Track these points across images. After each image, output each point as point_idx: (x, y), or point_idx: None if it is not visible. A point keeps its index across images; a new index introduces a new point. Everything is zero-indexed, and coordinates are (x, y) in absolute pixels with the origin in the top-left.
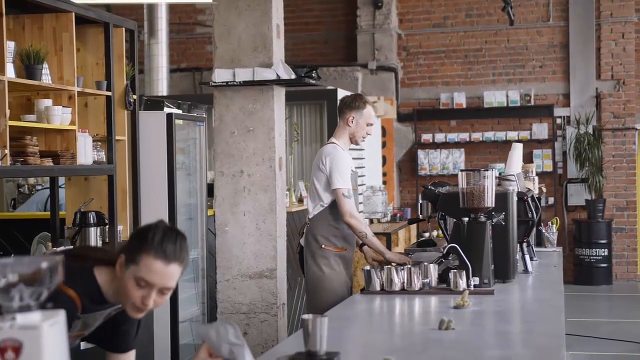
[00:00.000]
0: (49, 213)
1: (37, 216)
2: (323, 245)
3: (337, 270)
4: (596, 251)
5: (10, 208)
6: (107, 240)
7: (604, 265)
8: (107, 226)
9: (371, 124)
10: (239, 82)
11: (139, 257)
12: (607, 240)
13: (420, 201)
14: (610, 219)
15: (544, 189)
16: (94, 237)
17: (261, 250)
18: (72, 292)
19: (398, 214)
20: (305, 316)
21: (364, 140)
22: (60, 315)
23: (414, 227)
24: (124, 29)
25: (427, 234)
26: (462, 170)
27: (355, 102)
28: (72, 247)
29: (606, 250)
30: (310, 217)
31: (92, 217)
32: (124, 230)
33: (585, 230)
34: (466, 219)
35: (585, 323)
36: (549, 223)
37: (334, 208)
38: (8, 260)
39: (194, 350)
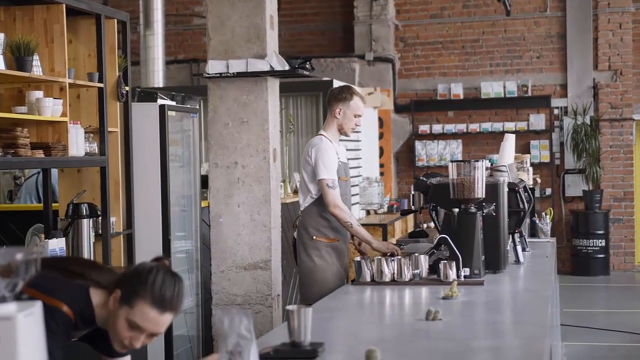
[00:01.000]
0: (42, 205)
1: (32, 208)
2: (314, 237)
3: (329, 262)
4: (593, 242)
5: (7, 200)
6: (100, 232)
7: (601, 256)
8: (99, 218)
9: (359, 115)
10: (233, 73)
11: (135, 301)
12: (605, 231)
13: (413, 192)
14: (607, 210)
15: (539, 180)
16: (87, 228)
17: (255, 242)
18: (68, 310)
19: (395, 205)
20: (290, 307)
21: (354, 131)
22: (36, 307)
23: (410, 218)
24: (115, 20)
25: (424, 225)
26: (452, 161)
27: (342, 93)
28: (65, 256)
29: (603, 241)
30: (301, 209)
31: (84, 209)
32: (116, 222)
33: (583, 221)
34: (456, 209)
35: (582, 314)
36: (543, 214)
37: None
38: None
39: (188, 342)
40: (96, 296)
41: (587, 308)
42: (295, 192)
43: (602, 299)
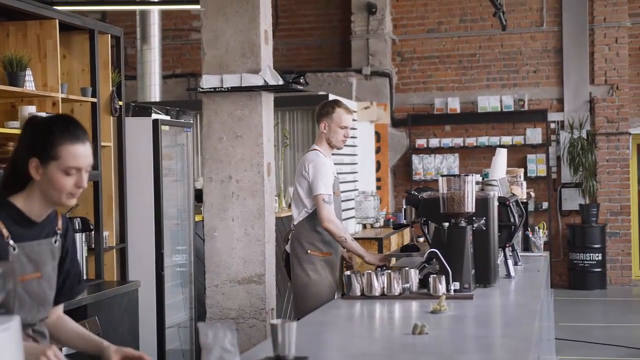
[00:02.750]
0: None
1: None
2: (309, 251)
3: (323, 276)
4: (590, 256)
5: None
6: (93, 246)
7: (598, 269)
8: (92, 232)
9: (345, 127)
10: (227, 88)
11: (57, 151)
12: (601, 244)
13: (405, 206)
14: (604, 224)
15: (532, 194)
16: (80, 243)
17: (250, 256)
18: None
19: (392, 219)
20: (274, 321)
21: (344, 143)
22: (14, 321)
23: (407, 232)
24: (109, 35)
25: (421, 239)
26: (442, 176)
27: (324, 108)
28: None
29: (600, 254)
30: (295, 223)
31: (77, 223)
32: (109, 236)
33: (579, 234)
34: (447, 224)
35: (578, 327)
36: (536, 228)
37: None
38: None
39: (181, 356)
40: (17, 200)
41: (584, 322)
42: (290, 206)
43: (599, 312)
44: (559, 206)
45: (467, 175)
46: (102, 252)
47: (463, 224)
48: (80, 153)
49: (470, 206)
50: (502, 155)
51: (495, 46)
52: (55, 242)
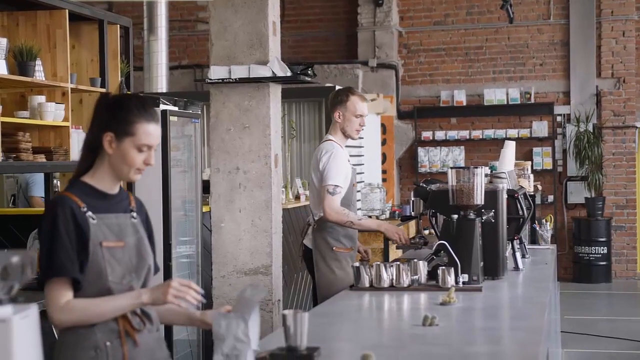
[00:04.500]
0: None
1: (34, 212)
2: (334, 247)
3: (347, 271)
4: (595, 249)
5: (10, 204)
6: None
7: (603, 263)
8: None
9: (360, 115)
10: (235, 79)
11: (133, 128)
12: (607, 238)
13: (412, 198)
14: (609, 217)
15: (540, 187)
16: None
17: (257, 247)
18: (67, 192)
19: (397, 212)
20: (286, 312)
21: (359, 133)
22: (32, 309)
23: (413, 224)
24: (118, 26)
25: (426, 232)
26: (451, 168)
27: (338, 96)
28: None
29: (605, 248)
30: (315, 218)
31: None
32: None
33: (585, 228)
34: (455, 216)
35: (583, 321)
36: (543, 221)
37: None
38: None
39: (188, 347)
40: (88, 178)
41: (589, 315)
42: (297, 197)
43: (604, 306)
44: (564, 199)
45: (477, 168)
46: None
47: (472, 216)
48: (154, 132)
49: (479, 198)
50: (510, 148)
51: (502, 39)
52: (133, 217)
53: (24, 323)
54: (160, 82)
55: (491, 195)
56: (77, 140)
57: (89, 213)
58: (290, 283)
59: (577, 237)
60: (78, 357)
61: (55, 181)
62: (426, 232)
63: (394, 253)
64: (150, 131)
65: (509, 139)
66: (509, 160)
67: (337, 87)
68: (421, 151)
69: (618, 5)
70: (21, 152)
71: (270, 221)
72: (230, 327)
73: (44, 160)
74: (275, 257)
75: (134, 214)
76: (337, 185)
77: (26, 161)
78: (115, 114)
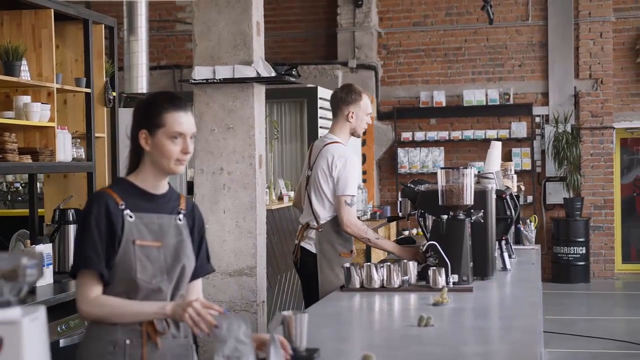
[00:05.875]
0: (27, 210)
1: (17, 214)
2: (341, 253)
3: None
4: (574, 249)
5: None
6: None
7: (582, 263)
8: None
9: (369, 113)
10: (219, 79)
11: (162, 120)
12: (585, 238)
13: (400, 199)
14: (588, 217)
15: (523, 187)
16: (73, 234)
17: (241, 248)
18: (107, 189)
19: (378, 212)
20: (286, 313)
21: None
22: (40, 312)
23: (393, 225)
24: (103, 25)
25: (406, 232)
26: (441, 168)
27: (351, 95)
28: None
29: (584, 248)
30: (321, 222)
31: (71, 215)
32: None
33: (564, 228)
34: (445, 216)
35: (563, 320)
36: (528, 221)
37: None
38: None
39: None
40: (131, 177)
41: (568, 315)
42: (280, 198)
43: (583, 305)
44: (543, 200)
45: (466, 168)
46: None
47: (462, 216)
48: (184, 120)
49: (469, 199)
50: (496, 149)
51: (481, 40)
52: (179, 219)
53: (34, 325)
54: (141, 82)
55: (480, 195)
56: (62, 141)
57: (127, 211)
58: (274, 284)
59: (555, 237)
60: (97, 349)
61: (39, 184)
62: (406, 232)
63: (376, 253)
64: (179, 119)
65: (488, 140)
66: (496, 160)
67: (320, 88)
68: (401, 152)
69: (595, 7)
70: (7, 153)
71: (254, 222)
72: (231, 329)
73: (30, 161)
74: (260, 258)
75: (181, 216)
76: (354, 196)
77: (12, 162)
78: (145, 112)
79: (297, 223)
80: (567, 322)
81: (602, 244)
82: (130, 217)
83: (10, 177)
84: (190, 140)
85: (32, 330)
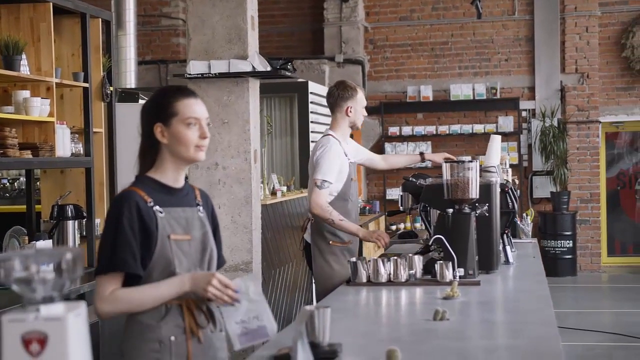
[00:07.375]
0: (24, 207)
1: (12, 210)
2: (330, 242)
3: (345, 265)
4: (561, 243)
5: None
6: (84, 234)
7: (569, 256)
8: (84, 219)
9: (365, 105)
10: (215, 74)
11: (175, 108)
12: (572, 232)
13: (401, 193)
14: (574, 211)
15: (517, 181)
16: (72, 230)
17: (236, 244)
18: (133, 187)
19: (367, 207)
20: (309, 307)
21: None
22: (82, 307)
23: (382, 219)
24: (100, 19)
25: (394, 227)
26: (446, 162)
27: (347, 91)
28: None
29: (571, 241)
30: (314, 212)
31: (69, 210)
32: (101, 224)
33: (550, 222)
34: (450, 210)
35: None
36: (524, 215)
37: (339, 202)
38: (30, 251)
39: None
40: (152, 173)
41: (557, 308)
42: (274, 193)
43: (570, 299)
44: (530, 194)
45: (471, 162)
46: (94, 239)
47: (467, 210)
48: (195, 105)
49: (474, 192)
50: (496, 142)
51: (468, 34)
52: (200, 212)
53: (77, 320)
54: (129, 77)
55: (485, 188)
56: (62, 136)
57: (156, 207)
58: (269, 279)
59: (542, 231)
60: (142, 348)
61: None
62: (393, 227)
63: (367, 248)
64: (192, 106)
65: (475, 134)
66: (496, 154)
67: (310, 83)
68: (388, 146)
69: (581, 1)
70: (8, 148)
71: (250, 217)
72: (240, 291)
73: (30, 156)
74: (255, 254)
75: (201, 208)
76: (325, 180)
77: (13, 157)
78: (156, 105)
79: (290, 218)
80: (557, 316)
81: (589, 238)
82: (160, 212)
83: (13, 172)
84: (205, 125)
85: (76, 326)
